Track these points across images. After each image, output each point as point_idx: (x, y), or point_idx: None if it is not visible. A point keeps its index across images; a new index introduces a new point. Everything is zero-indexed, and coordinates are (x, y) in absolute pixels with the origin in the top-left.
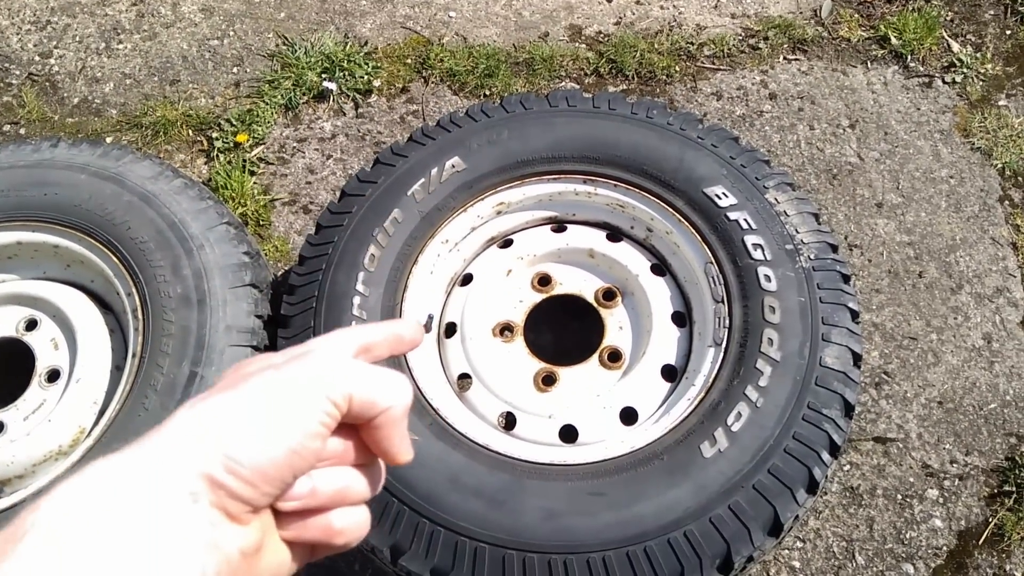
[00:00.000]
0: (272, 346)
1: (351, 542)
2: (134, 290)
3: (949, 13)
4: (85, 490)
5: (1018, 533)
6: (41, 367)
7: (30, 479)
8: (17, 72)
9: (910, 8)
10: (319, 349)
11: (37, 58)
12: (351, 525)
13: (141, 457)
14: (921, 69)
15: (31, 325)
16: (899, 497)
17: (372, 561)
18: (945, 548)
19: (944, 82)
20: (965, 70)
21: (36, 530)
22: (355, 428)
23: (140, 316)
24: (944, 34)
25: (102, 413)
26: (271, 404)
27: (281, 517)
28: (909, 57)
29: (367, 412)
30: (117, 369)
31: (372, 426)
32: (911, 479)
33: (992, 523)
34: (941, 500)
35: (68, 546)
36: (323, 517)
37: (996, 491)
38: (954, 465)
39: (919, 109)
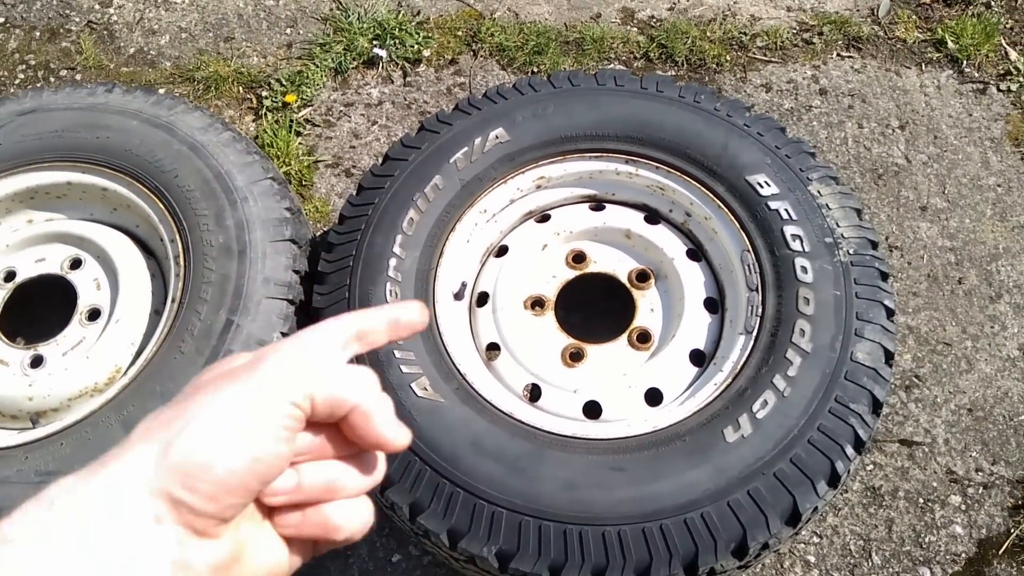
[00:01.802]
0: (307, 302)
1: (353, 536)
2: (177, 237)
3: (1009, 21)
4: (50, 514)
5: None
6: (82, 305)
7: (64, 413)
8: (77, 19)
9: (969, 13)
10: (290, 347)
11: (97, 6)
12: (350, 519)
13: (102, 484)
14: (976, 75)
15: (75, 264)
16: (921, 501)
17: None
18: (964, 555)
19: (999, 90)
20: (1021, 79)
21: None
22: (335, 424)
23: (181, 263)
24: (1002, 41)
25: (138, 355)
26: (228, 414)
27: (276, 513)
28: (965, 62)
29: (335, 411)
30: (156, 313)
31: (350, 424)
32: (934, 484)
33: (1014, 534)
34: (963, 507)
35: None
36: (319, 511)
37: (1021, 502)
38: (979, 473)
39: (971, 115)
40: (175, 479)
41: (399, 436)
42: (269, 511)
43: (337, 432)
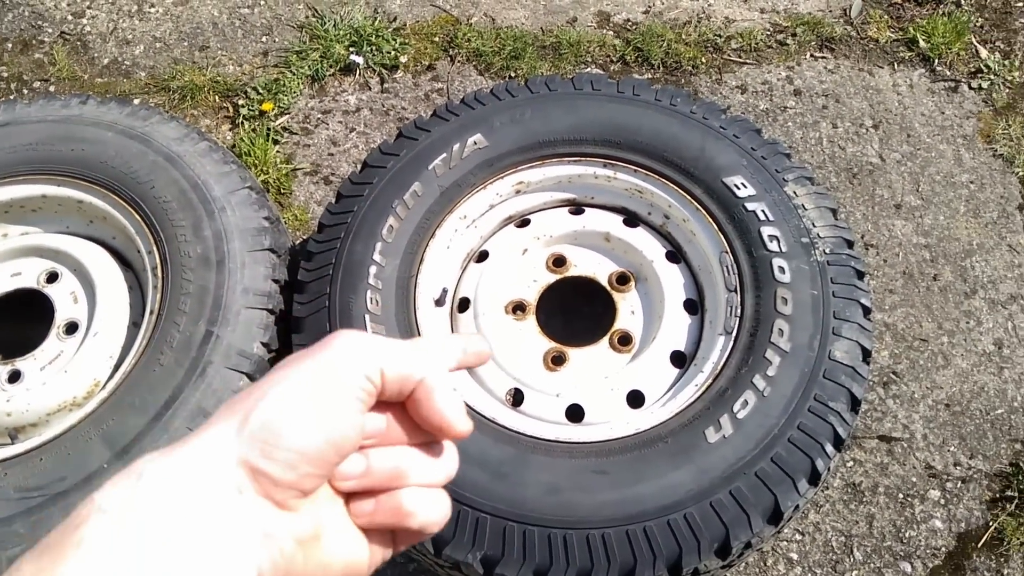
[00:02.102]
0: (287, 311)
1: (428, 525)
2: (155, 248)
3: (979, 19)
4: (137, 486)
5: (1018, 538)
6: (60, 319)
7: (44, 428)
8: (50, 30)
9: (940, 12)
10: (358, 332)
11: (70, 17)
12: (424, 506)
13: (187, 455)
14: (948, 73)
15: (52, 278)
16: (901, 496)
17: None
18: (944, 549)
19: (970, 87)
20: (992, 76)
21: (93, 533)
22: (402, 407)
23: (159, 274)
24: (973, 40)
25: (117, 368)
26: (303, 384)
27: (352, 504)
28: (936, 61)
29: (403, 385)
30: (134, 325)
31: (414, 400)
32: (914, 479)
33: (992, 527)
34: (943, 501)
35: (125, 547)
36: (392, 497)
37: (998, 496)
38: (957, 468)
39: (943, 113)
40: (254, 447)
41: (460, 420)
42: (346, 502)
43: (406, 417)
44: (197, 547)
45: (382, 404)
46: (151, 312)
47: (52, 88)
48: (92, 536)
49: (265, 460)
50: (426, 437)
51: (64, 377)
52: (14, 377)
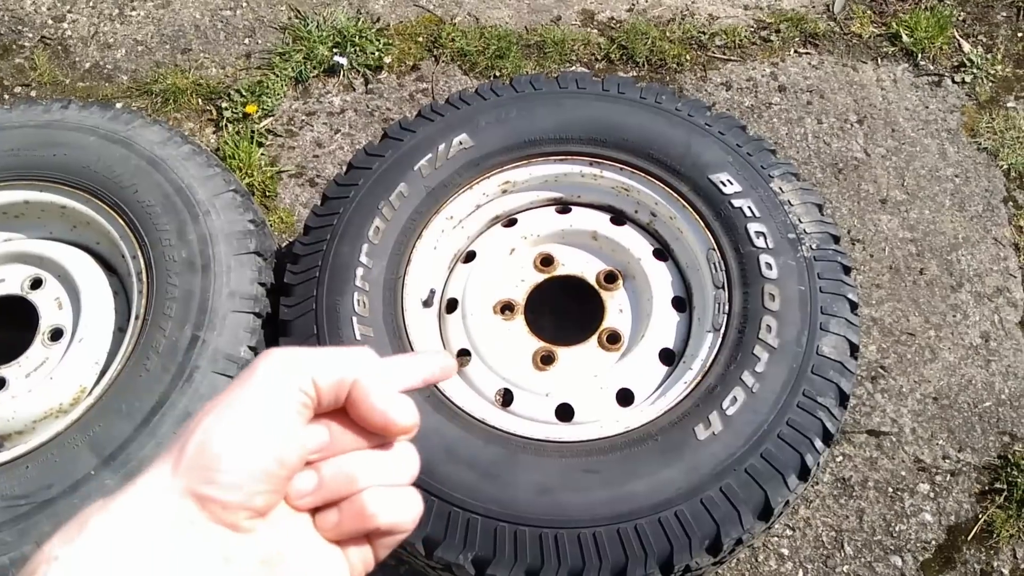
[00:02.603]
0: (274, 315)
1: (398, 524)
2: (139, 253)
3: (961, 13)
4: (84, 537)
5: (1007, 530)
6: (44, 326)
7: (30, 435)
8: (30, 35)
9: (923, 6)
10: (283, 349)
11: (50, 21)
12: (387, 506)
13: (129, 498)
14: (931, 68)
15: (36, 284)
16: (890, 490)
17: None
18: (934, 542)
19: (953, 81)
20: (975, 70)
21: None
22: (346, 414)
23: (144, 279)
24: (956, 33)
25: (103, 373)
26: (234, 405)
27: (317, 519)
28: (920, 55)
29: (339, 391)
30: (120, 331)
31: (352, 403)
32: (903, 473)
33: (982, 520)
34: (932, 495)
35: None
36: (354, 502)
37: (987, 488)
38: (946, 461)
39: (927, 107)
40: (195, 475)
41: (401, 414)
42: (313, 519)
43: (351, 424)
44: None
45: (324, 416)
46: (137, 317)
47: (33, 93)
48: None
49: (208, 485)
50: (378, 439)
51: (50, 384)
52: None
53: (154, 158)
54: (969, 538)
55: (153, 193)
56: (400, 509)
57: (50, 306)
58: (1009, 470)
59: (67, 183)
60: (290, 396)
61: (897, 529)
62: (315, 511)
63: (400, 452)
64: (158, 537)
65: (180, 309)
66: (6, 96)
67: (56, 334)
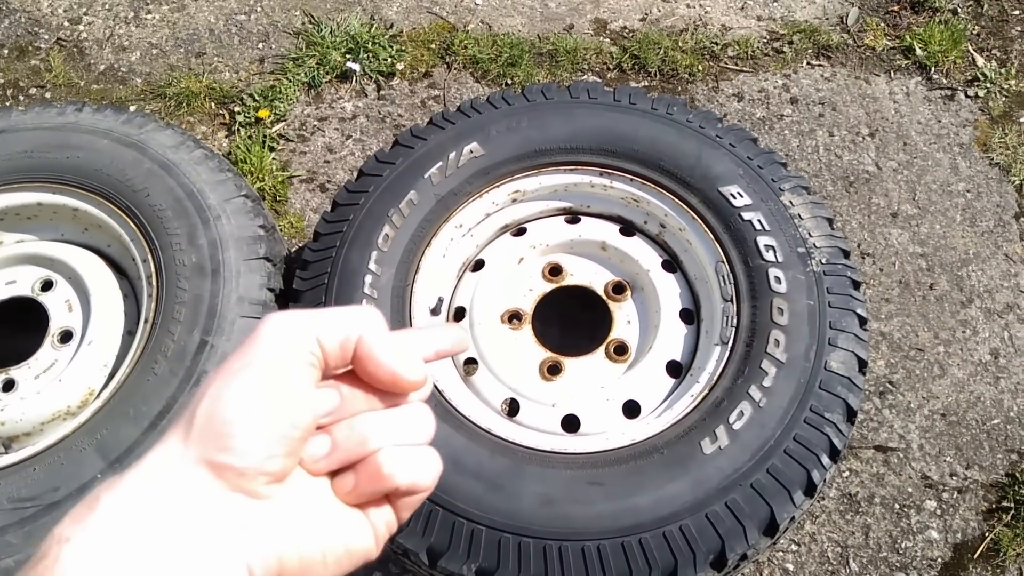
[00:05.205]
0: None
1: (417, 483)
2: (150, 257)
3: (976, 27)
4: (97, 515)
5: (1014, 549)
6: (54, 327)
7: (37, 437)
8: (46, 36)
9: (937, 20)
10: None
11: (66, 23)
12: (405, 464)
13: (140, 472)
14: (944, 82)
15: (47, 286)
16: (896, 506)
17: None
18: (940, 560)
19: (967, 96)
20: (988, 85)
21: (63, 564)
22: (355, 375)
23: (154, 283)
24: (969, 48)
25: (112, 376)
26: (240, 371)
27: (335, 483)
28: (933, 69)
29: (344, 349)
30: (129, 334)
31: (358, 361)
32: (910, 489)
33: (989, 538)
34: (939, 512)
35: (98, 570)
36: (370, 463)
37: (994, 506)
38: (954, 478)
39: (940, 121)
40: (208, 443)
41: (408, 368)
42: (332, 484)
43: (361, 384)
44: (173, 555)
45: (332, 379)
46: (146, 321)
47: (48, 94)
48: (61, 567)
49: (222, 452)
50: (390, 400)
51: (58, 386)
52: (8, 386)
53: (166, 162)
54: (975, 556)
55: (164, 197)
56: (417, 468)
57: (60, 308)
58: (1017, 488)
59: (79, 185)
60: (297, 357)
61: (903, 546)
62: (333, 475)
63: (414, 411)
64: (173, 509)
65: (189, 313)
66: (21, 97)
67: (66, 336)
